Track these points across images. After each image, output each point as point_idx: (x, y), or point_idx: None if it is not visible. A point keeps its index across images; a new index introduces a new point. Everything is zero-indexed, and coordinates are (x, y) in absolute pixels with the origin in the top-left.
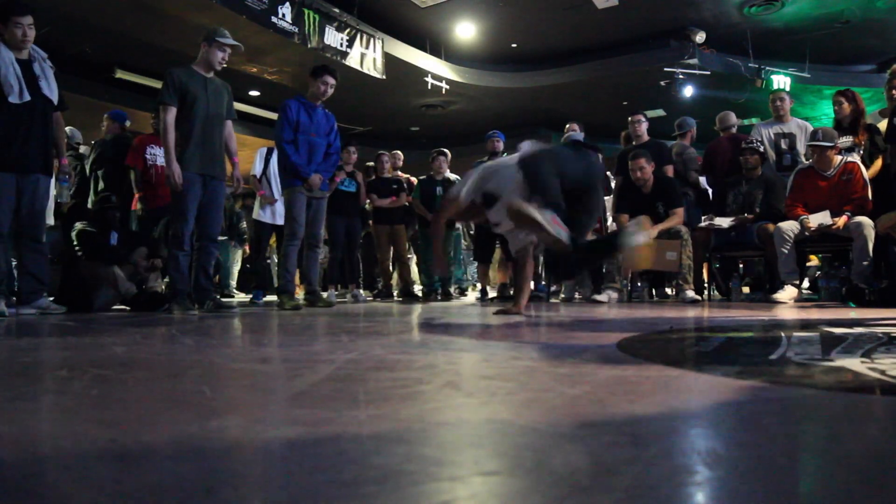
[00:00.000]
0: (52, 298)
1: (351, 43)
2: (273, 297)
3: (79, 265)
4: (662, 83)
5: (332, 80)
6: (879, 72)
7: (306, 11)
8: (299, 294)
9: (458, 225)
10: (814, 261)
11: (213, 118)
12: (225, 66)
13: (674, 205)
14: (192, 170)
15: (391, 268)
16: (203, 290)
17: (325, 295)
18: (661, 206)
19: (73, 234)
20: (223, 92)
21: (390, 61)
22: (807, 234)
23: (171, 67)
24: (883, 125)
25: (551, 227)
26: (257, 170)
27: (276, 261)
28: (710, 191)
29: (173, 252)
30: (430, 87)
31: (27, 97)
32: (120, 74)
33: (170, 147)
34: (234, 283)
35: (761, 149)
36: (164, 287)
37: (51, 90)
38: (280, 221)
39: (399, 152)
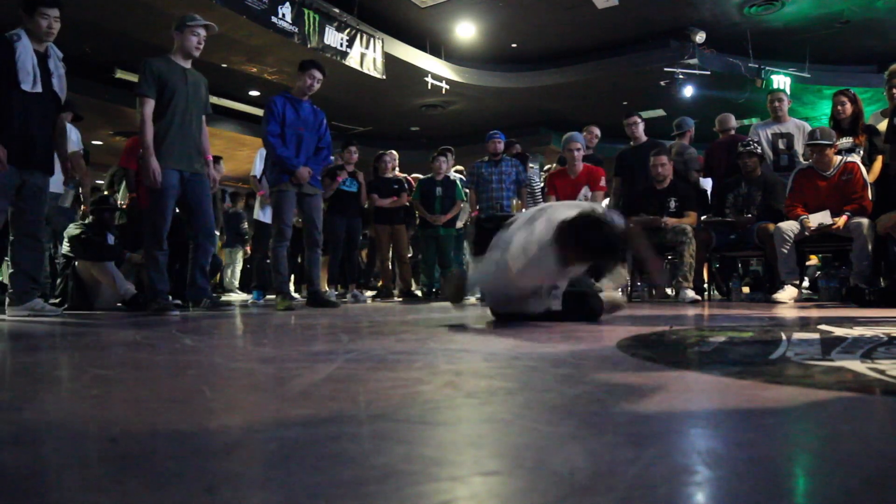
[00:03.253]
0: (58, 299)
1: (351, 43)
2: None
3: (76, 266)
4: (662, 83)
5: (318, 75)
6: (879, 72)
7: (306, 11)
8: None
9: (460, 224)
10: (814, 260)
11: (192, 111)
12: (224, 64)
13: (688, 207)
14: (171, 166)
15: (391, 267)
16: (199, 288)
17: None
18: (673, 201)
19: (69, 236)
20: (201, 85)
21: (390, 61)
22: (807, 234)
23: (148, 58)
24: (883, 126)
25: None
26: (257, 170)
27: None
28: (709, 191)
29: (151, 252)
30: (430, 87)
31: (39, 88)
32: (120, 74)
33: (147, 142)
34: (236, 282)
35: (758, 150)
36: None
37: (61, 89)
38: None
39: (394, 152)
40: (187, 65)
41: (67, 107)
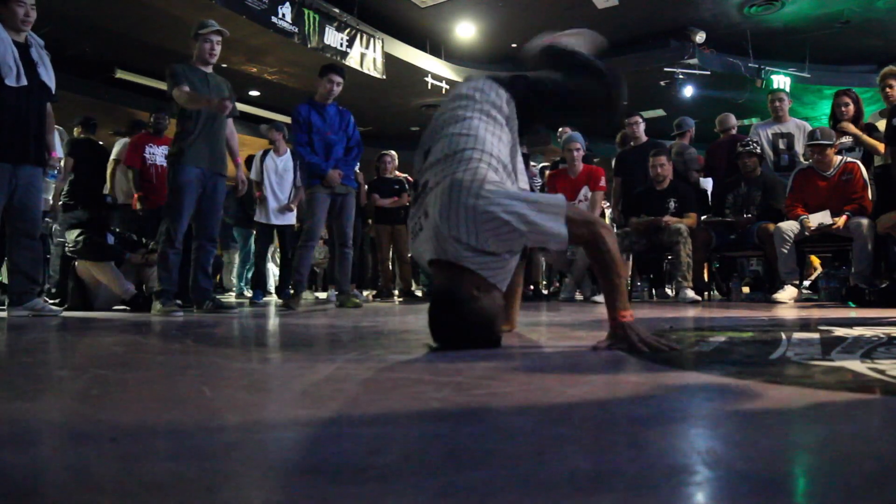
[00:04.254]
0: (57, 299)
1: (351, 43)
2: (273, 298)
3: (76, 266)
4: (662, 83)
5: (337, 79)
6: (879, 72)
7: (306, 11)
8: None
9: None
10: (815, 263)
11: (216, 115)
12: (224, 64)
13: (688, 207)
14: (193, 165)
15: (391, 267)
16: (202, 290)
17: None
18: (673, 202)
19: (70, 235)
20: (224, 88)
21: (390, 61)
22: (807, 233)
23: (172, 63)
24: (881, 125)
25: None
26: (254, 172)
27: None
28: (709, 191)
29: (164, 249)
30: (429, 87)
31: (24, 82)
32: (120, 74)
33: (198, 97)
34: (235, 282)
35: (758, 150)
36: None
37: (49, 77)
38: (276, 221)
39: (394, 152)
40: (208, 70)
41: (138, 126)
